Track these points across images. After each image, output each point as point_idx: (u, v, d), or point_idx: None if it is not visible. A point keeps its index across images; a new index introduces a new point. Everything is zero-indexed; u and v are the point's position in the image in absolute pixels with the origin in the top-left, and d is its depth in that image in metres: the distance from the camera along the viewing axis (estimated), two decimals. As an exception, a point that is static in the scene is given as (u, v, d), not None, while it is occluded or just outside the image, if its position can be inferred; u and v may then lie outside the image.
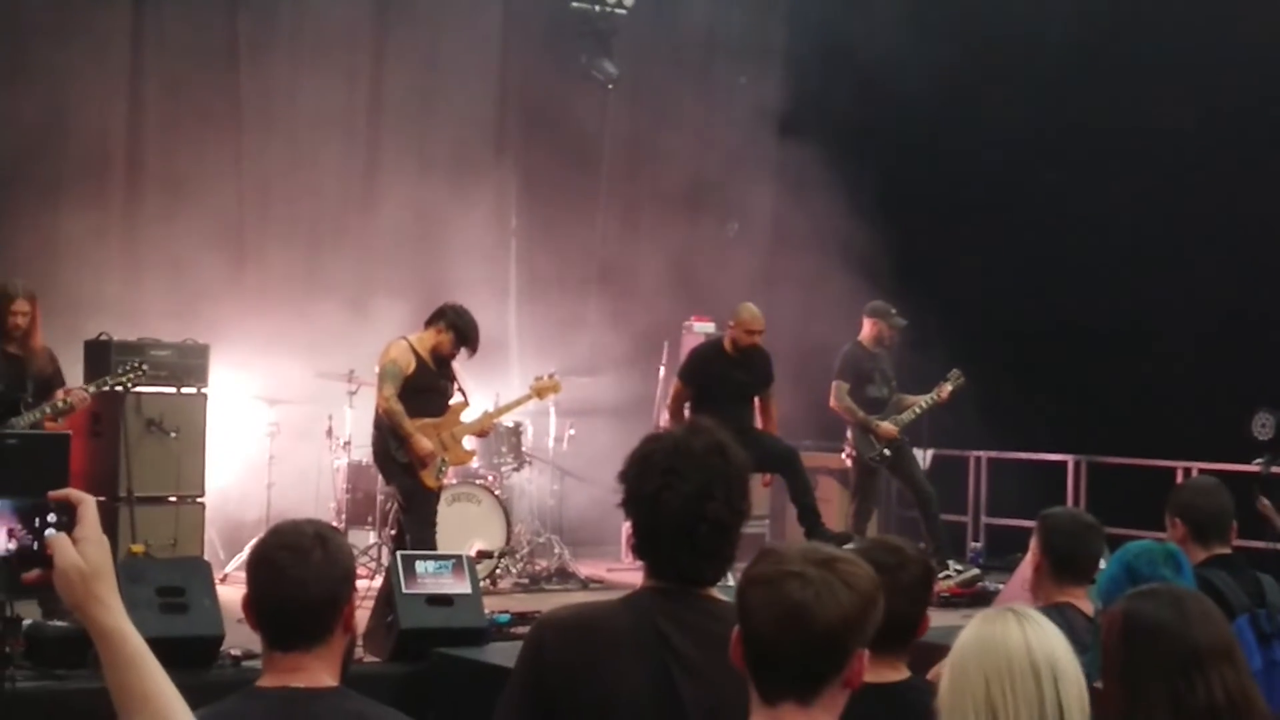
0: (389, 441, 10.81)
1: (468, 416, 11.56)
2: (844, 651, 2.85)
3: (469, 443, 11.55)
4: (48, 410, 10.12)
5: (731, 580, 3.17)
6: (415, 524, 10.77)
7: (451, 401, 11.26)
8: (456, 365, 11.18)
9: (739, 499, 3.45)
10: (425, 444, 10.72)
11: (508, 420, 12.87)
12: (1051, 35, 14.42)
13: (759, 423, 12.14)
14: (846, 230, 14.62)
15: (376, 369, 10.95)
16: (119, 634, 2.52)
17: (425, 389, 10.90)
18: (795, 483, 12.01)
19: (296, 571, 3.43)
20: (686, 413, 11.74)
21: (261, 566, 3.50)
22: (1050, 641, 3.18)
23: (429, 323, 10.93)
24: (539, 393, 12.17)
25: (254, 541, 3.63)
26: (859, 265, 14.32)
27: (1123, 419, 13.57)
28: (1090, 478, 14.02)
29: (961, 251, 14.52)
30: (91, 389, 10.52)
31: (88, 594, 2.50)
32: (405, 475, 10.84)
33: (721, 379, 11.86)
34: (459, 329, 10.87)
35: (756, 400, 12.14)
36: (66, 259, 12.21)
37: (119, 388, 10.84)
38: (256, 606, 3.51)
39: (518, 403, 12.20)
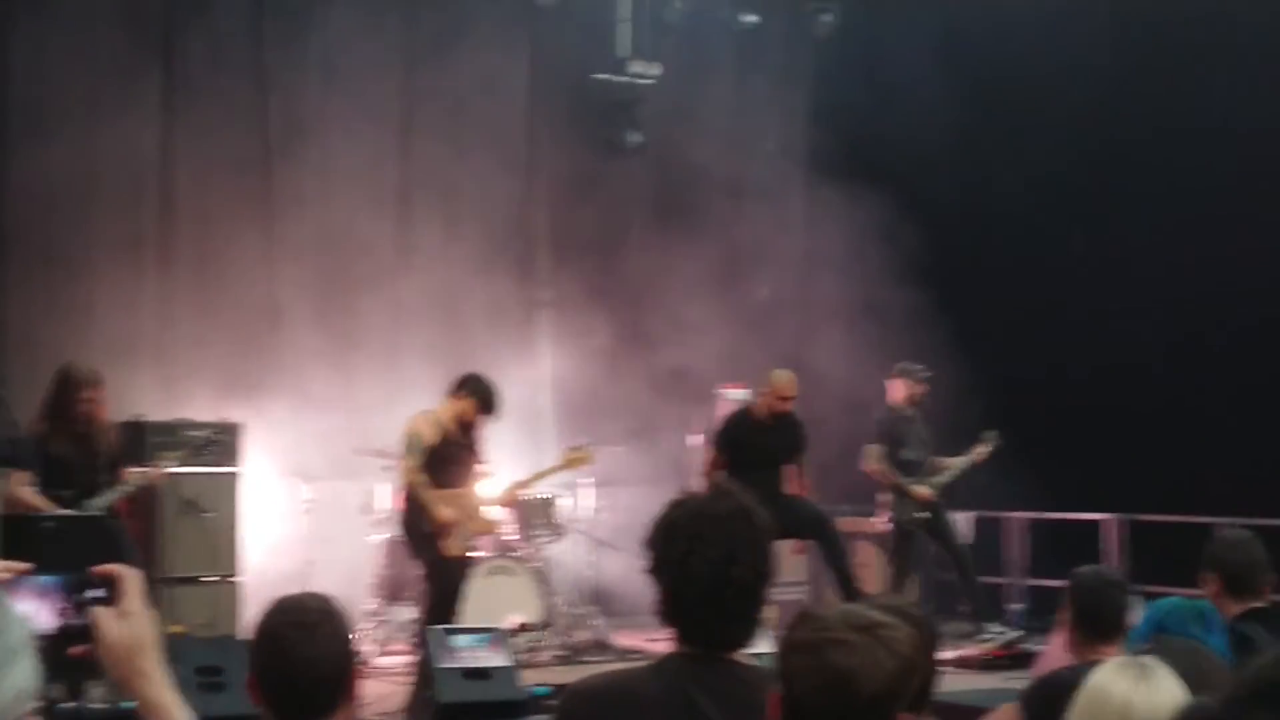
0: (415, 513, 10.83)
1: (493, 483, 11.58)
2: (887, 716, 2.83)
3: (496, 513, 11.53)
4: (123, 490, 10.19)
5: (765, 643, 3.15)
6: (437, 594, 10.71)
7: (477, 470, 11.26)
8: (479, 434, 11.18)
9: (764, 562, 3.44)
10: (447, 512, 10.69)
11: (543, 492, 12.87)
12: (1097, 90, 14.40)
13: (791, 489, 12.12)
14: (880, 291, 14.61)
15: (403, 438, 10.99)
16: (165, 707, 2.51)
17: (450, 459, 10.88)
18: (830, 548, 11.97)
19: (305, 649, 3.42)
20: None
21: (269, 643, 3.49)
22: (1160, 703, 3.16)
23: (452, 392, 10.95)
24: (570, 463, 12.11)
25: (258, 617, 3.61)
26: (893, 326, 14.30)
27: (1162, 476, 13.45)
28: (1131, 536, 13.91)
29: (998, 310, 14.48)
30: (167, 467, 10.57)
31: (132, 668, 2.50)
32: (429, 546, 10.80)
33: (753, 445, 11.84)
34: (480, 395, 10.87)
35: (791, 467, 12.13)
36: (99, 338, 12.27)
37: (193, 466, 11.10)
38: (264, 683, 3.49)
39: (548, 472, 12.15)
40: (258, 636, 3.52)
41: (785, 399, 11.96)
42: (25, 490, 9.92)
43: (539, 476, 12.06)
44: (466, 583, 10.92)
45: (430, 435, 10.77)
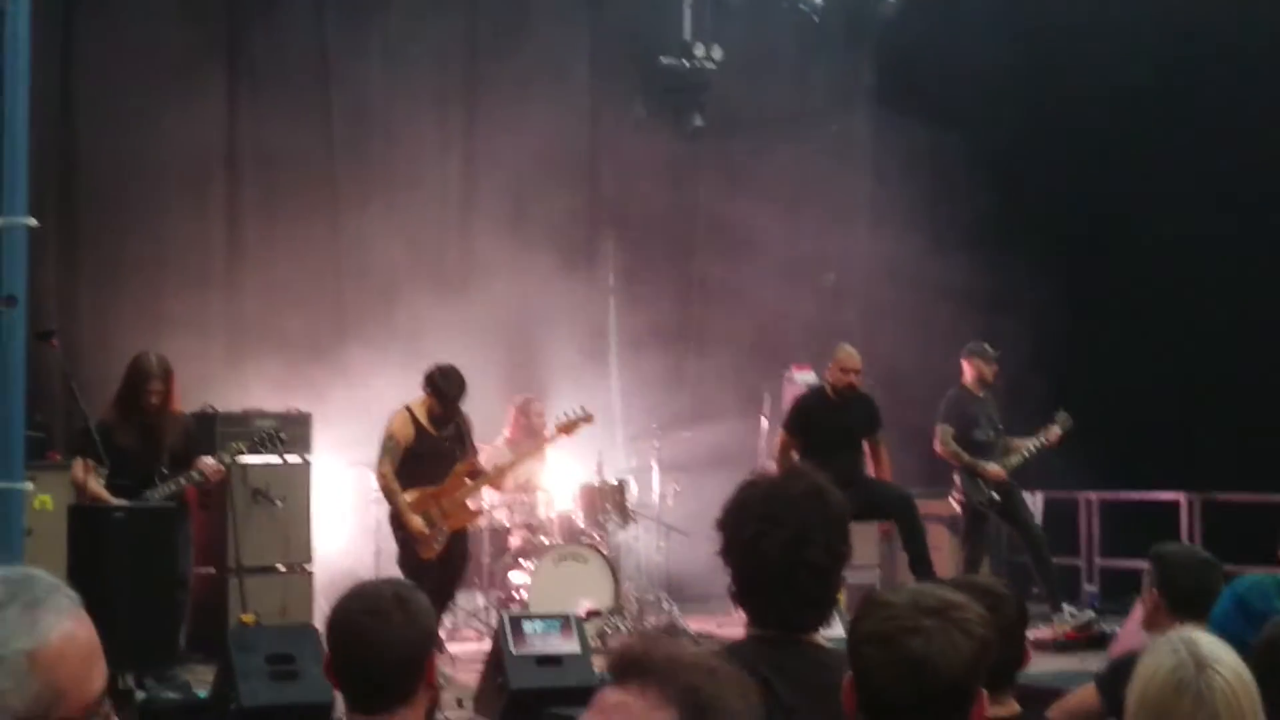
0: (391, 514, 11.20)
1: (488, 465, 11.78)
2: (968, 698, 2.83)
3: (475, 501, 11.68)
4: (183, 482, 10.25)
5: (838, 627, 3.11)
6: None
7: (459, 463, 11.38)
8: (458, 423, 11.31)
9: (839, 543, 3.40)
10: (416, 523, 11.02)
11: (611, 478, 12.88)
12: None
13: (871, 468, 12.09)
14: (946, 272, 14.53)
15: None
16: None
17: (427, 455, 11.16)
18: (908, 529, 11.94)
19: (378, 635, 3.43)
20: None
21: (343, 630, 3.50)
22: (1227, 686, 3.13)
23: (422, 388, 11.16)
24: (564, 429, 12.09)
25: (334, 604, 3.61)
26: (960, 307, 14.23)
27: (1235, 453, 13.34)
28: (1204, 514, 13.79)
29: (1066, 287, 14.37)
30: (227, 459, 10.63)
31: None
32: (403, 548, 11.18)
33: (825, 426, 11.83)
34: (435, 387, 11.09)
35: (867, 445, 12.10)
36: (169, 331, 12.31)
37: (257, 457, 11.26)
38: (339, 670, 3.50)
39: (536, 450, 12.24)
40: (332, 623, 3.53)
41: (848, 372, 11.96)
42: (90, 479, 9.99)
43: (525, 456, 12.10)
44: (444, 580, 11.02)
45: (403, 435, 11.07)
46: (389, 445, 11.06)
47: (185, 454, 10.43)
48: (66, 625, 2.09)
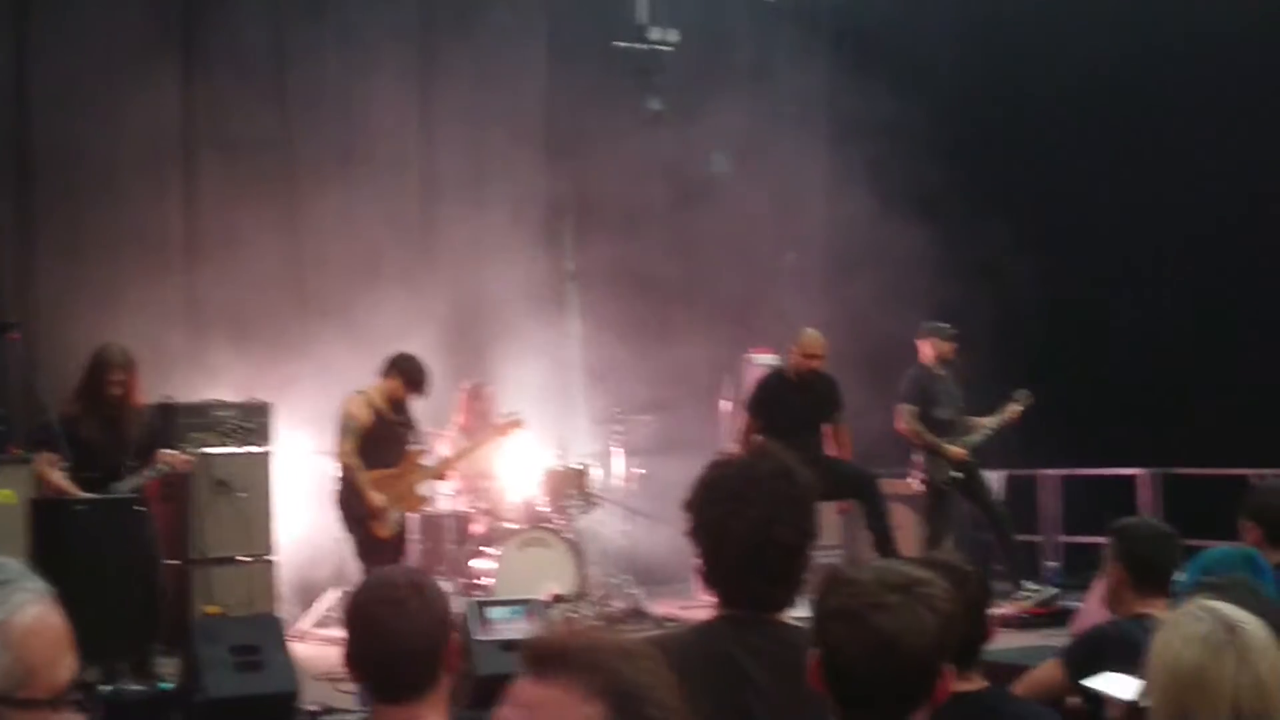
0: (349, 493, 11.12)
1: (431, 458, 11.94)
2: (934, 673, 2.85)
3: (422, 490, 11.73)
4: (149, 474, 10.20)
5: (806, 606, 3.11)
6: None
7: (411, 448, 11.46)
8: (411, 412, 11.42)
9: (807, 522, 3.40)
10: (377, 498, 11.07)
11: (574, 463, 12.90)
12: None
13: (833, 449, 12.12)
14: (905, 250, 14.55)
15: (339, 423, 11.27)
16: None
17: (384, 439, 11.23)
18: (872, 509, 11.99)
19: (396, 623, 3.42)
20: None
21: (360, 621, 3.49)
22: (1262, 681, 3.12)
23: (383, 372, 11.28)
24: (501, 430, 12.18)
25: (349, 595, 3.61)
26: (920, 286, 14.27)
27: (1195, 428, 13.42)
28: (1165, 490, 13.86)
29: (1027, 262, 14.39)
30: (195, 450, 10.59)
31: None
32: (360, 527, 11.15)
33: (787, 407, 11.86)
34: (407, 374, 11.24)
35: (829, 427, 12.14)
36: (127, 322, 12.24)
37: (222, 448, 11.22)
38: (359, 661, 3.49)
39: (481, 443, 12.26)
40: (349, 614, 3.53)
41: (812, 357, 11.99)
42: (53, 472, 9.94)
43: (469, 450, 12.17)
44: (397, 561, 11.01)
45: (363, 416, 11.13)
46: (350, 425, 11.11)
47: (148, 446, 10.37)
48: (37, 607, 2.09)
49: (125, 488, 10.05)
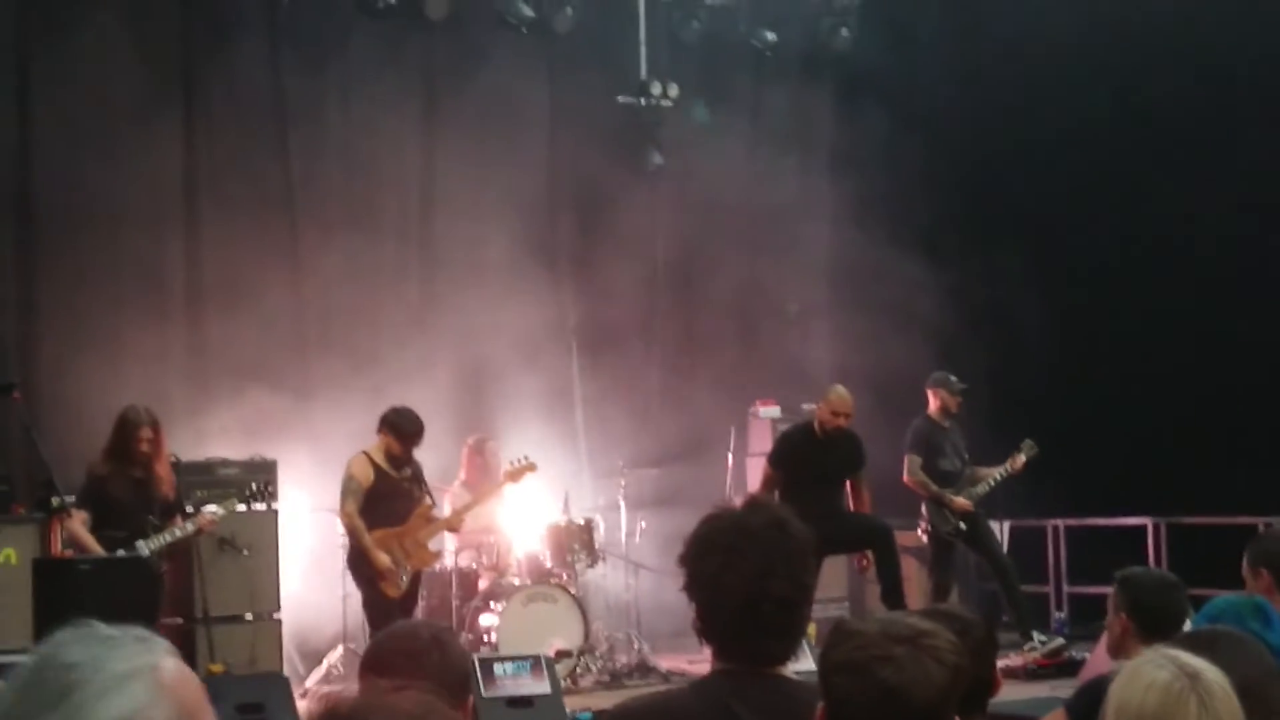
0: (356, 554, 11.15)
1: (440, 510, 11.83)
2: (939, 725, 2.81)
3: (435, 543, 11.73)
4: (177, 534, 10.23)
5: (808, 660, 3.10)
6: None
7: (420, 503, 11.41)
8: (414, 464, 11.35)
9: (802, 574, 3.38)
10: (383, 559, 10.99)
11: (578, 518, 12.86)
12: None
13: (852, 506, 12.13)
14: (911, 302, 14.57)
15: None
16: None
17: (387, 495, 11.16)
18: (884, 559, 11.98)
19: (414, 677, 3.38)
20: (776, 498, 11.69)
21: (377, 671, 3.46)
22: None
23: (377, 430, 11.20)
24: (512, 477, 12.14)
25: (371, 643, 3.59)
26: (925, 336, 14.27)
27: (1200, 477, 13.38)
28: (1170, 539, 13.83)
29: (1031, 311, 14.37)
30: (221, 511, 10.61)
31: None
32: (370, 587, 11.10)
33: (810, 462, 11.86)
34: (394, 426, 11.13)
35: (849, 484, 12.14)
36: (129, 379, 12.26)
37: (243, 506, 11.12)
38: None
39: (493, 492, 12.21)
40: (366, 662, 3.50)
41: (838, 415, 11.96)
42: (80, 530, 9.99)
43: (479, 500, 12.11)
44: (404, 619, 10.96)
45: (364, 476, 11.08)
46: (351, 486, 11.06)
47: (174, 504, 10.45)
48: (173, 656, 2.11)
49: (151, 547, 10.08)
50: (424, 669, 3.40)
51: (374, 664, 3.50)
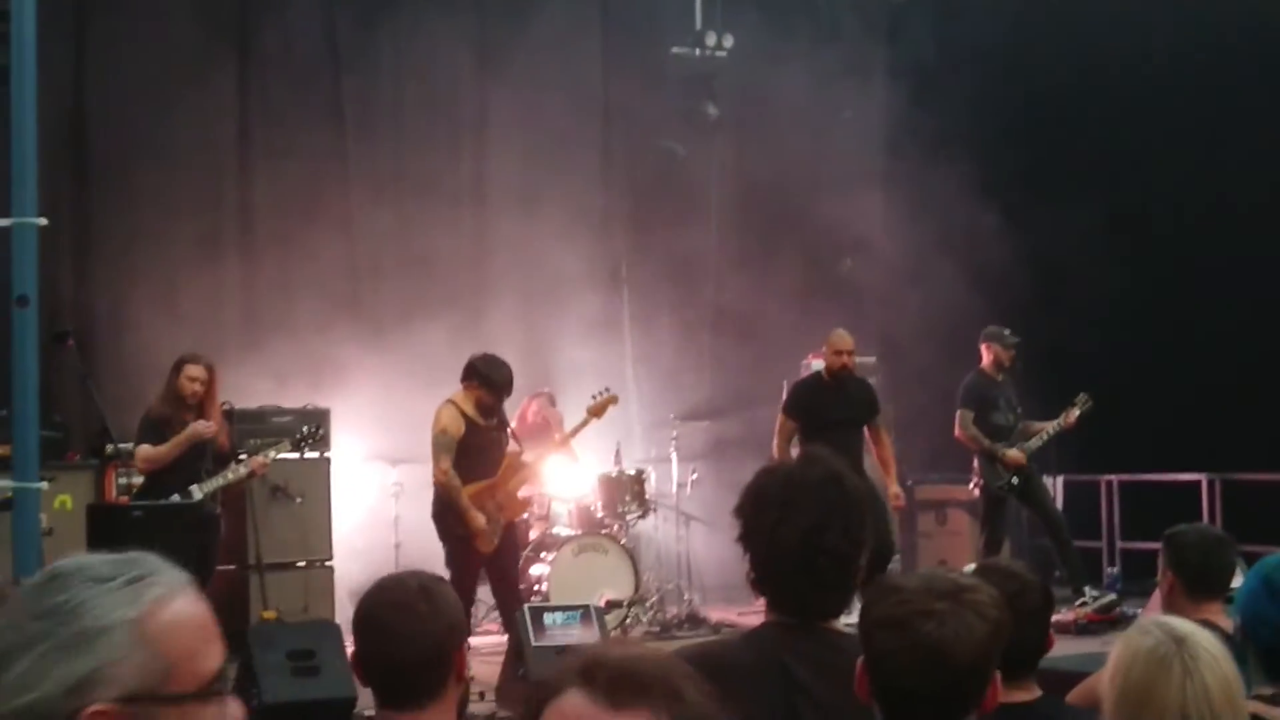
0: (446, 511, 10.68)
1: (528, 456, 11.48)
2: (983, 680, 2.82)
3: (524, 492, 11.35)
4: (230, 477, 10.29)
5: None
6: (460, 593, 10.59)
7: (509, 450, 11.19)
8: (501, 414, 11.10)
9: (858, 529, 3.37)
10: (478, 519, 10.48)
11: (630, 469, 12.86)
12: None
13: (874, 453, 12.06)
14: (964, 254, 14.48)
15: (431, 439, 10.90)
16: None
17: (480, 447, 10.69)
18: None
19: (403, 628, 3.39)
20: (794, 448, 11.65)
21: (367, 624, 3.47)
22: (1209, 690, 3.15)
23: (463, 380, 10.83)
24: (595, 412, 11.88)
25: (360, 597, 3.59)
26: (982, 289, 14.17)
27: (1255, 433, 13.27)
28: (1225, 495, 13.74)
29: (1087, 267, 14.27)
30: (273, 455, 10.65)
31: None
32: (460, 545, 10.57)
33: (822, 409, 11.82)
34: (485, 377, 10.66)
35: (868, 430, 12.07)
36: (182, 329, 12.33)
37: (295, 454, 11.22)
38: (365, 665, 3.48)
39: (576, 430, 11.94)
40: (358, 617, 3.51)
41: (840, 353, 11.95)
42: (149, 450, 10.19)
43: (570, 435, 11.84)
44: (504, 572, 10.83)
45: (455, 429, 10.57)
46: (443, 440, 10.56)
47: (228, 452, 10.50)
48: (172, 599, 2.07)
49: (204, 491, 10.15)
50: (414, 620, 3.40)
51: (363, 614, 3.50)
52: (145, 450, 10.21)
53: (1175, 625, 3.26)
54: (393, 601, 3.44)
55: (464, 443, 10.54)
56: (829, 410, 11.80)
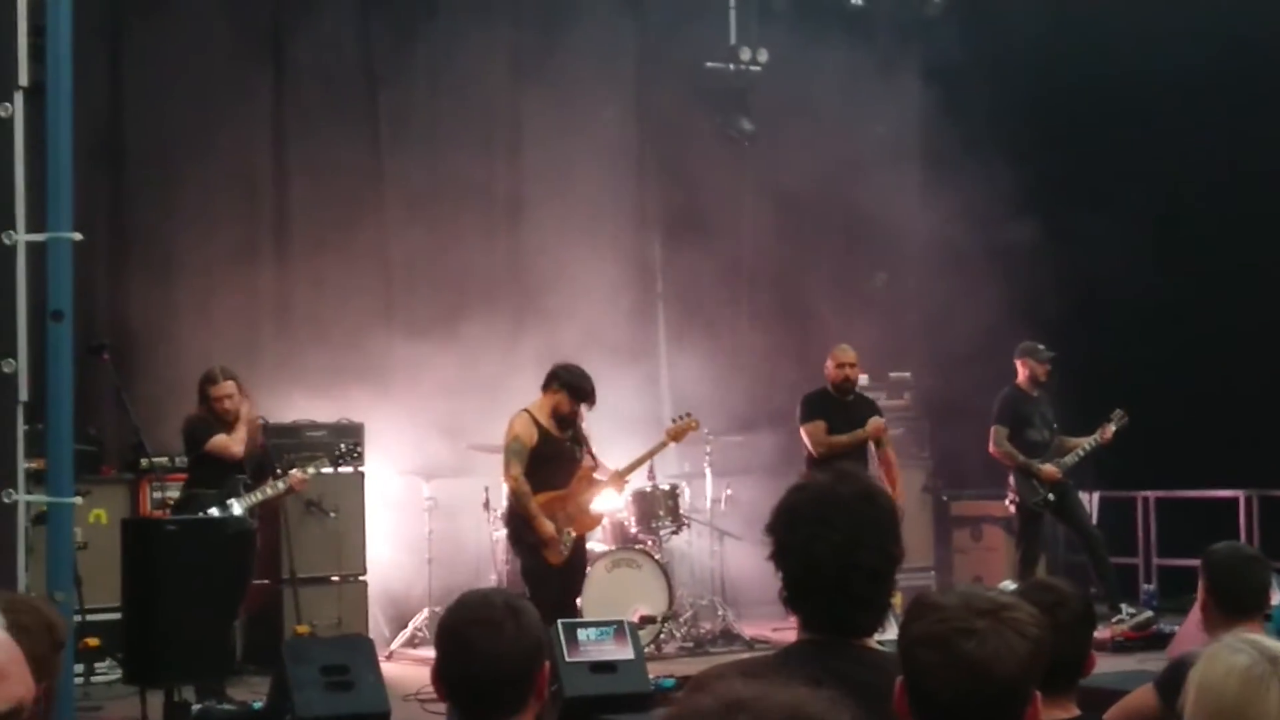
0: (518, 521, 10.75)
1: (603, 472, 11.50)
2: (1022, 699, 2.80)
3: (599, 504, 11.40)
4: (269, 492, 10.33)
5: (893, 631, 3.07)
6: (537, 606, 10.62)
7: (584, 462, 11.17)
8: (584, 427, 11.08)
9: (891, 545, 3.35)
10: (548, 527, 10.59)
11: (664, 483, 12.83)
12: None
13: (879, 471, 12.07)
14: (1001, 269, 14.43)
15: (503, 446, 10.91)
16: None
17: (552, 457, 10.77)
18: None
19: (489, 645, 3.36)
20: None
21: (451, 640, 3.44)
22: None
23: (544, 387, 10.81)
24: (675, 436, 11.92)
25: (442, 612, 3.58)
26: (1018, 306, 14.11)
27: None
28: (1263, 511, 13.66)
29: (1124, 284, 14.20)
30: (312, 470, 10.68)
31: None
32: (531, 554, 10.74)
33: (833, 421, 11.97)
34: (571, 385, 10.71)
35: (877, 451, 12.15)
36: (217, 342, 12.36)
37: (331, 469, 11.31)
38: (447, 680, 3.46)
39: (653, 452, 12.00)
40: (440, 633, 3.49)
41: (842, 366, 12.10)
42: (222, 440, 10.34)
43: (645, 458, 11.91)
44: (567, 588, 10.85)
45: (528, 437, 10.64)
46: (515, 448, 10.64)
47: (264, 464, 10.53)
48: None
49: (243, 506, 10.19)
50: (499, 637, 3.38)
51: (447, 630, 3.49)
52: (220, 439, 10.24)
53: (1267, 644, 3.18)
54: (480, 619, 3.42)
55: (537, 452, 10.58)
56: (839, 425, 11.92)
